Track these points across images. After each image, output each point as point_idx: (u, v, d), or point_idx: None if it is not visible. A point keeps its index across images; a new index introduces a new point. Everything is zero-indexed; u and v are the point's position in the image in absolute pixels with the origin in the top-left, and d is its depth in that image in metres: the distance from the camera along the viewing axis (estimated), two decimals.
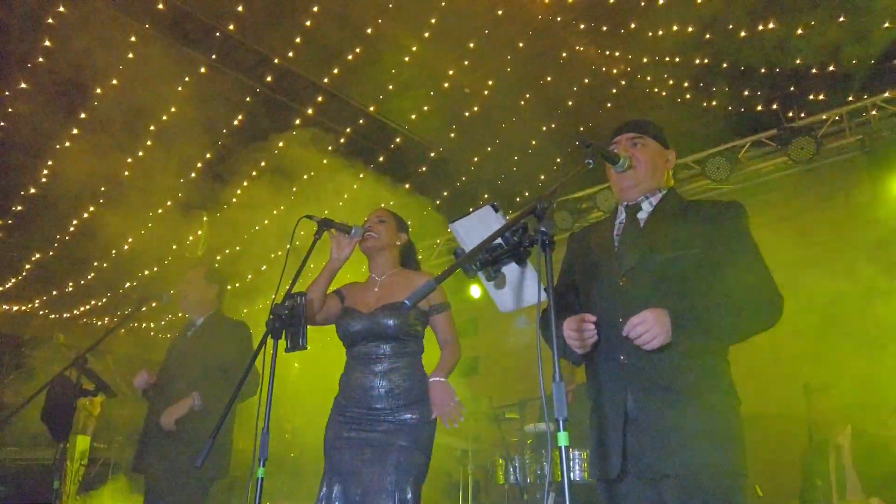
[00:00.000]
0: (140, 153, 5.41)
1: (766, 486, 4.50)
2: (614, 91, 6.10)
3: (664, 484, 1.97)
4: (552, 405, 1.62)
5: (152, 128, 5.21)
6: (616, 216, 2.36)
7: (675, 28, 4.91)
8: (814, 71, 4.77)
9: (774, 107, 5.66)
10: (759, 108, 5.69)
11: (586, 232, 2.49)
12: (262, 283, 6.78)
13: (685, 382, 1.99)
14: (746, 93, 5.40)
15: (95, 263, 6.79)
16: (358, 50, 5.15)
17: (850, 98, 5.31)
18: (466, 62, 5.74)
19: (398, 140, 6.18)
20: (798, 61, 4.81)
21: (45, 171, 5.53)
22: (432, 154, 6.44)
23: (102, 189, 5.70)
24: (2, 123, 5.16)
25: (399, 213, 3.15)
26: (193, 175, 5.71)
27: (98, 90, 4.93)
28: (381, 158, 6.27)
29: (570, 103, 6.26)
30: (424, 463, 2.76)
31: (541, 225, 1.81)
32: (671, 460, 1.93)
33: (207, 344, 3.55)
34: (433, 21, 5.19)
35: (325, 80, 5.34)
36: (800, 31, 4.59)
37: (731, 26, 4.73)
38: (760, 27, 4.63)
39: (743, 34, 4.72)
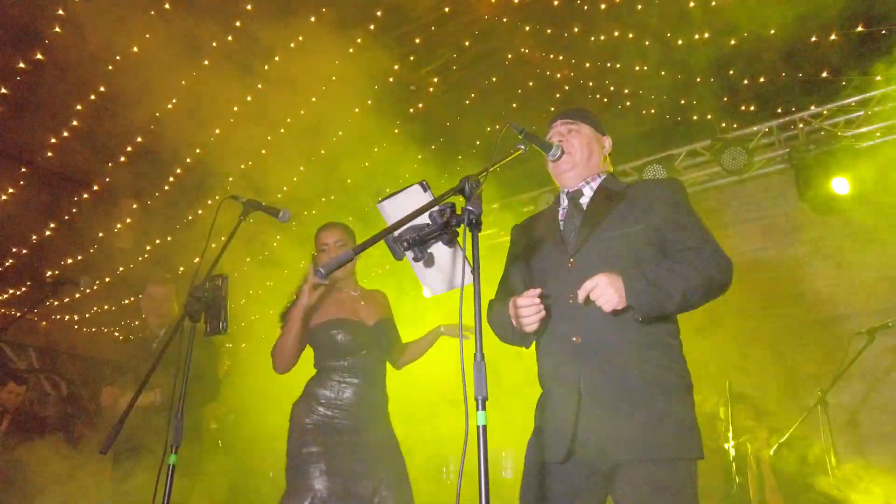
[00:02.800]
0: (65, 133, 5.14)
1: None
2: (558, 95, 6.17)
3: (616, 472, 1.94)
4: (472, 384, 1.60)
5: (79, 107, 4.97)
6: (559, 204, 2.37)
7: (616, 34, 5.00)
8: (745, 82, 4.94)
9: (709, 117, 5.84)
10: (695, 117, 5.86)
11: (530, 222, 2.50)
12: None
13: (638, 365, 1.97)
14: (682, 102, 5.54)
15: (14, 249, 6.41)
16: (301, 38, 5.03)
17: (780, 111, 5.53)
18: (412, 58, 5.71)
19: (340, 134, 6.08)
20: (731, 72, 4.96)
21: None
22: (375, 149, 6.35)
23: (22, 170, 5.40)
24: None
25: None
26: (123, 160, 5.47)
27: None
28: (322, 151, 6.16)
29: (514, 105, 6.30)
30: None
31: (468, 204, 1.79)
32: (625, 447, 1.90)
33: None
34: (378, 14, 5.14)
35: (266, 67, 5.20)
36: (733, 42, 4.74)
37: (668, 34, 4.85)
38: (696, 36, 4.77)
39: (680, 42, 4.85)
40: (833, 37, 4.51)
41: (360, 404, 2.92)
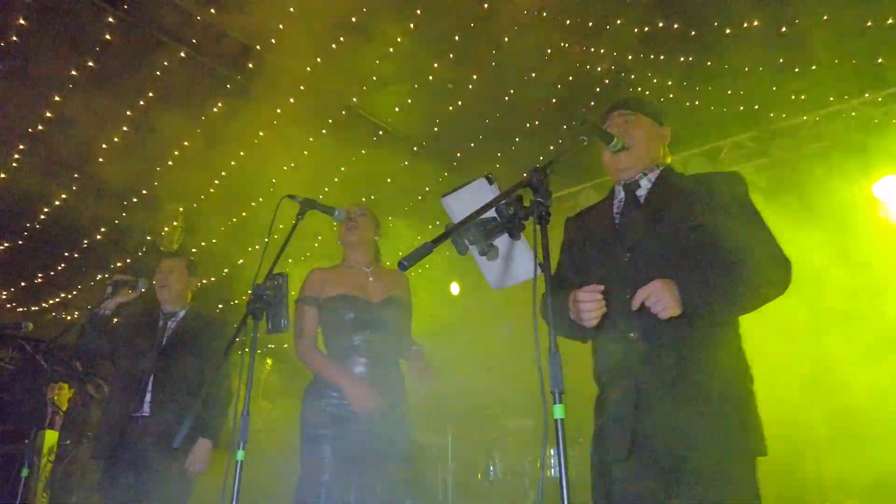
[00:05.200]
0: (115, 139, 5.26)
1: None
2: (598, 90, 6.09)
3: (679, 467, 1.89)
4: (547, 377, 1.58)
5: (129, 113, 5.07)
6: (614, 196, 2.32)
7: (660, 24, 4.91)
8: (796, 70, 4.80)
9: (756, 107, 5.70)
10: (741, 108, 5.72)
11: (584, 214, 2.45)
12: (239, 274, 6.68)
13: (698, 360, 1.93)
14: (729, 92, 5.41)
15: (66, 254, 6.59)
16: (342, 39, 5.06)
17: (832, 98, 5.37)
18: (451, 55, 5.69)
19: (380, 133, 6.10)
20: (781, 60, 4.83)
21: (16, 157, 5.34)
22: (415, 148, 6.36)
23: (75, 176, 5.54)
24: None
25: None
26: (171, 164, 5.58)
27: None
28: (363, 151, 6.19)
29: (554, 101, 6.23)
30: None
31: (537, 196, 1.76)
32: (687, 442, 1.86)
33: (197, 340, 3.48)
34: (418, 12, 5.14)
35: (308, 69, 5.23)
36: (784, 30, 4.62)
37: (715, 23, 4.74)
38: (745, 24, 4.65)
39: (728, 31, 4.74)
40: (890, 21, 4.35)
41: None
